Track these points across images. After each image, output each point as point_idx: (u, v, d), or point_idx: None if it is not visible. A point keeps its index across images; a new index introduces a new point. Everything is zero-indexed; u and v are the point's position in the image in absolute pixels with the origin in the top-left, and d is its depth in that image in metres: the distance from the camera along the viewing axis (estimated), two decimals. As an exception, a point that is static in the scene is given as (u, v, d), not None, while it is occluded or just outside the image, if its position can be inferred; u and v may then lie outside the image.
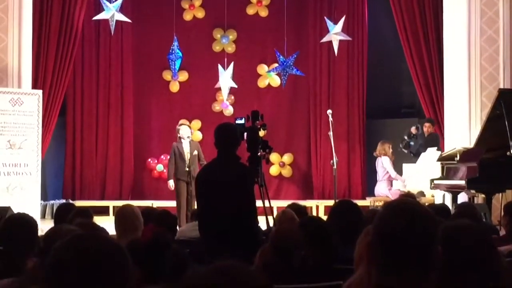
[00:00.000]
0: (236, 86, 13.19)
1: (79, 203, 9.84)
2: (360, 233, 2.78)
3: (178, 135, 10.18)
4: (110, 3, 11.73)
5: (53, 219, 5.52)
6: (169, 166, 10.26)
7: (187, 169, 9.78)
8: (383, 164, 11.14)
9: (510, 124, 8.30)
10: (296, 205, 5.53)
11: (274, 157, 13.13)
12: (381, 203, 9.69)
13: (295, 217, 4.44)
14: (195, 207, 5.91)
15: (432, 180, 9.57)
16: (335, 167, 10.16)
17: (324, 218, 4.66)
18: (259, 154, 7.32)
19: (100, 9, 12.11)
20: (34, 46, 10.78)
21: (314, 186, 13.65)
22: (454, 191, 9.28)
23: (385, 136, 12.11)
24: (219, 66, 13.12)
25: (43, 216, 11.73)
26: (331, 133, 10.27)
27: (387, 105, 13.59)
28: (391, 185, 11.20)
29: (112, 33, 12.14)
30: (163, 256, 3.05)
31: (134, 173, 13.63)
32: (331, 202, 9.08)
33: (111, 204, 12.16)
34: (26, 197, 10.23)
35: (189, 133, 10.18)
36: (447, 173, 9.36)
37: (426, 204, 7.90)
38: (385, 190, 11.12)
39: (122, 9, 11.97)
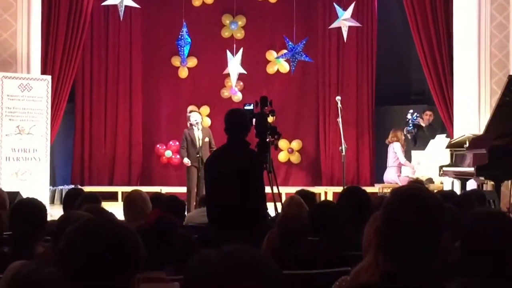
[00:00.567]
0: (245, 72, 13.16)
1: (87, 188, 9.85)
2: (368, 220, 2.78)
3: (189, 122, 10.19)
4: (119, -12, 11.68)
5: (62, 204, 5.56)
6: (181, 151, 10.31)
7: (198, 155, 9.80)
8: (394, 148, 11.16)
9: (519, 111, 8.26)
10: (305, 191, 5.52)
11: (282, 143, 13.07)
12: (389, 190, 9.67)
13: (302, 203, 4.43)
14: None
15: (441, 167, 9.53)
16: (343, 153, 10.15)
17: (332, 204, 4.65)
18: (267, 140, 7.33)
19: (109, -6, 12.07)
20: (43, 31, 10.75)
21: (323, 173, 13.64)
22: (463, 178, 9.24)
23: (394, 123, 12.09)
24: (228, 52, 13.09)
25: (52, 201, 11.79)
26: (340, 119, 10.23)
27: (396, 92, 13.52)
28: (400, 172, 11.20)
29: (121, 18, 12.10)
30: (166, 241, 3.03)
31: (142, 159, 13.64)
32: (339, 189, 9.08)
33: (119, 189, 12.21)
34: (35, 183, 10.27)
35: (200, 119, 10.20)
36: (456, 160, 9.32)
37: (435, 191, 7.89)
38: (394, 177, 11.13)
39: (131, -6, 11.93)
